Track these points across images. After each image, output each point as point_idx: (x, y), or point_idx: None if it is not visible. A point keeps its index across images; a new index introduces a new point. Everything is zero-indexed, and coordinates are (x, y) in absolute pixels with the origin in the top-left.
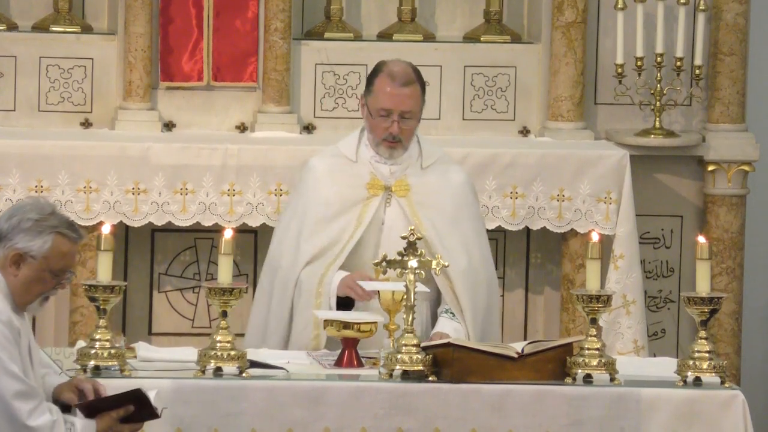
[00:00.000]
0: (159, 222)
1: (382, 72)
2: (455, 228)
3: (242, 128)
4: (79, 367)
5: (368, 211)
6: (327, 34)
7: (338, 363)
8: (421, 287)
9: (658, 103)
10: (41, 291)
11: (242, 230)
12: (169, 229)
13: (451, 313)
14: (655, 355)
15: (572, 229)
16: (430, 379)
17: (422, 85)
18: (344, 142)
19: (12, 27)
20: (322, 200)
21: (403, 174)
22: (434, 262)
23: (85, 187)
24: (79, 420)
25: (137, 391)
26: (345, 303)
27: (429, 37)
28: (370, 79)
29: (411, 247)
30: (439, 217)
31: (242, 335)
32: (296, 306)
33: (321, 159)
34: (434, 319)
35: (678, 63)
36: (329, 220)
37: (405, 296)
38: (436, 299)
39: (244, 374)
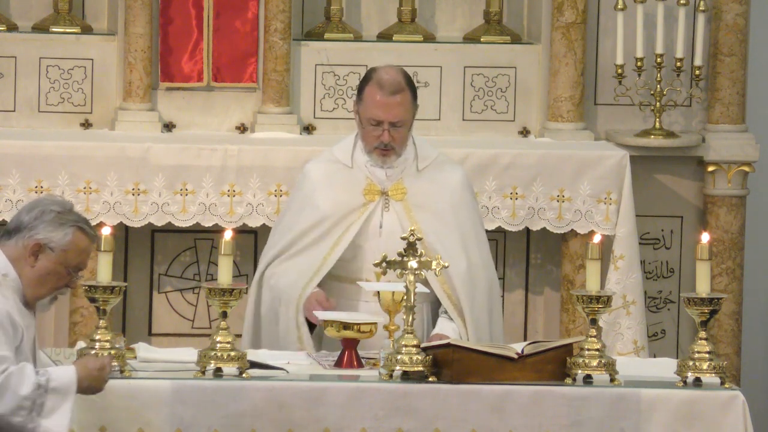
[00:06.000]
0: (159, 223)
1: (372, 80)
2: (454, 230)
3: (242, 129)
4: None
5: (366, 216)
6: (327, 35)
7: (338, 363)
8: (421, 288)
9: (658, 103)
10: (55, 286)
11: (242, 231)
12: (169, 229)
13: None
14: (655, 356)
15: (572, 230)
16: (430, 379)
17: (413, 90)
18: (339, 147)
19: (12, 27)
20: (319, 207)
21: (399, 177)
22: (434, 263)
23: (85, 188)
24: (55, 368)
25: None
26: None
27: (429, 38)
28: (361, 87)
29: (411, 248)
30: (436, 220)
31: (242, 336)
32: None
33: (317, 164)
34: (435, 320)
35: (678, 63)
36: (327, 227)
37: (405, 297)
38: (437, 300)
39: (244, 375)
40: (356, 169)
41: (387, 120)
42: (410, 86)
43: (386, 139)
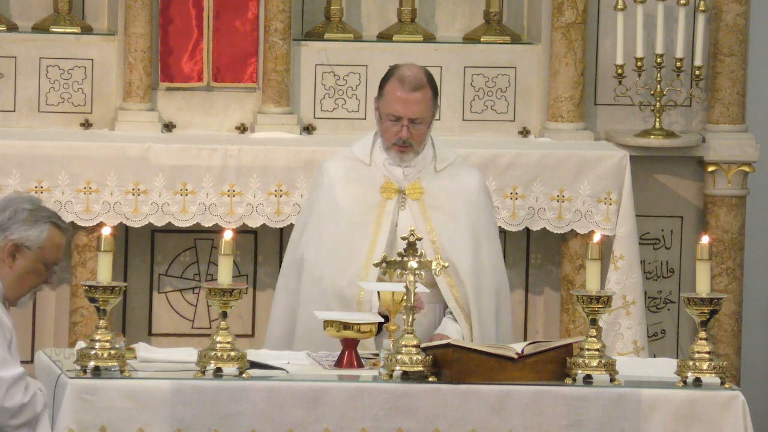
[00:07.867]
0: (159, 223)
1: (393, 76)
2: (466, 232)
3: (242, 129)
4: (79, 368)
5: (383, 215)
6: (327, 35)
7: (338, 363)
8: (421, 288)
9: (658, 103)
10: (34, 284)
11: (242, 231)
12: (169, 229)
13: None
14: (655, 356)
15: (572, 230)
16: (430, 379)
17: (434, 89)
18: (358, 145)
19: (12, 27)
20: (337, 204)
21: (416, 177)
22: (434, 263)
23: (85, 188)
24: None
25: None
26: None
27: (429, 38)
28: (382, 83)
29: (411, 248)
30: (451, 221)
31: (242, 336)
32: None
33: (335, 162)
34: None
35: (678, 64)
36: (346, 225)
37: (405, 297)
38: None
39: (243, 375)
40: (374, 167)
41: (406, 116)
42: (431, 85)
43: (405, 135)
